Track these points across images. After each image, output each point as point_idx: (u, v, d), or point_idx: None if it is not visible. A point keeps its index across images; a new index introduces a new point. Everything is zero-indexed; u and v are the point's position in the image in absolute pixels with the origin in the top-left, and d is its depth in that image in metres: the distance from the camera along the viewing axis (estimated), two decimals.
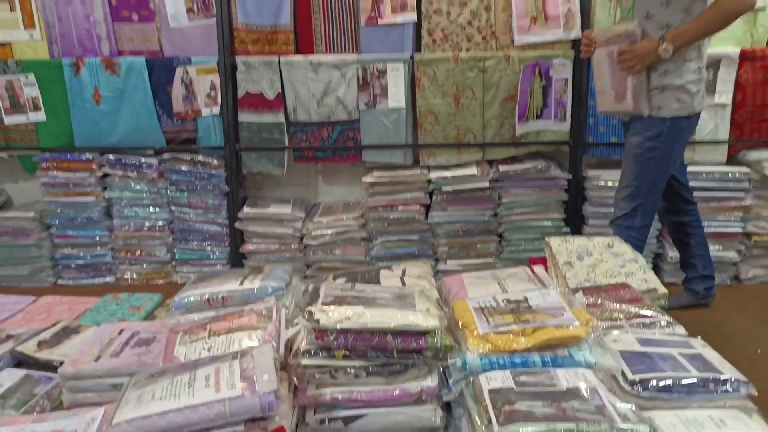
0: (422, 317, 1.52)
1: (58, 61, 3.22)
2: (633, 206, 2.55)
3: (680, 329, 1.86)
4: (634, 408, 1.37)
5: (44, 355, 2.23)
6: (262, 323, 1.68)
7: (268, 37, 3.21)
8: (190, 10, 3.19)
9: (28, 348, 2.28)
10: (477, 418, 1.38)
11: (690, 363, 1.62)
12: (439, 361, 1.53)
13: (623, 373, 1.54)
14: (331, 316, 1.50)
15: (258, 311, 1.74)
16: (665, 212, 2.83)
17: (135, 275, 3.42)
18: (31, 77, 3.23)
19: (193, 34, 3.23)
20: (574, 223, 3.29)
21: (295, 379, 1.52)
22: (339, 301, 1.58)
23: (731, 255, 3.21)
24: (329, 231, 3.28)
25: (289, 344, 1.62)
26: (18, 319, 2.94)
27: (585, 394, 1.39)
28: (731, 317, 2.89)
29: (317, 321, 1.50)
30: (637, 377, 1.53)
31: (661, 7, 2.36)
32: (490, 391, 1.40)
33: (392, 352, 1.50)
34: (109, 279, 3.43)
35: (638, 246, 2.53)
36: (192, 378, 1.40)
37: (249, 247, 3.34)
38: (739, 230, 3.20)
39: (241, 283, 1.89)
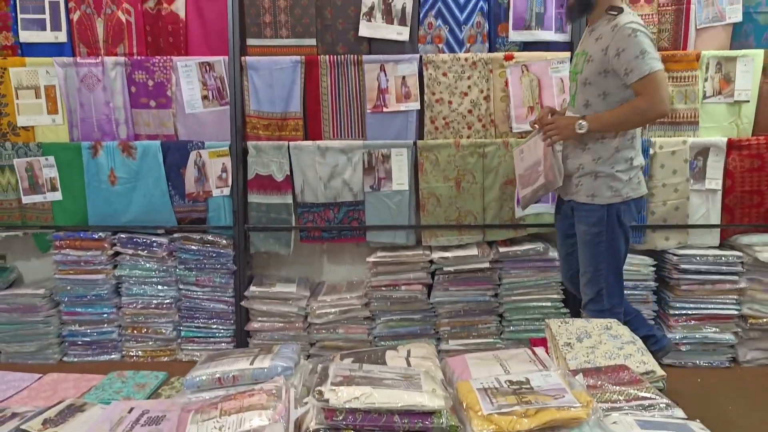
0: (428, 398, 1.58)
1: (77, 144, 3.37)
2: (596, 291, 2.63)
3: (679, 412, 1.91)
4: None
5: None
6: (272, 402, 1.73)
7: (279, 123, 3.37)
8: (205, 98, 3.37)
9: (33, 426, 2.29)
10: None
11: None
12: None
13: None
14: (340, 395, 1.56)
15: (268, 390, 1.79)
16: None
17: (140, 352, 3.44)
18: (51, 159, 3.37)
19: (207, 120, 3.39)
20: (573, 305, 3.35)
21: None
22: (348, 381, 1.64)
23: (728, 337, 3.24)
24: (333, 310, 3.33)
25: (299, 423, 1.67)
26: (23, 396, 2.97)
27: None
28: (730, 400, 2.89)
29: (327, 401, 1.56)
30: None
31: (598, 98, 2.52)
32: None
33: None
34: (114, 356, 3.44)
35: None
36: None
37: (254, 325, 3.39)
38: (735, 312, 3.23)
39: (252, 363, 1.95)
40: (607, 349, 2.37)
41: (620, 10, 2.46)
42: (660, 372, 2.24)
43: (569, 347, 2.39)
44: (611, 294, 2.62)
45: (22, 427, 2.27)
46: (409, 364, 1.96)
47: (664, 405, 1.93)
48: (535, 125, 2.75)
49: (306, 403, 1.72)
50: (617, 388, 2.03)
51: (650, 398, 1.96)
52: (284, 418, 1.66)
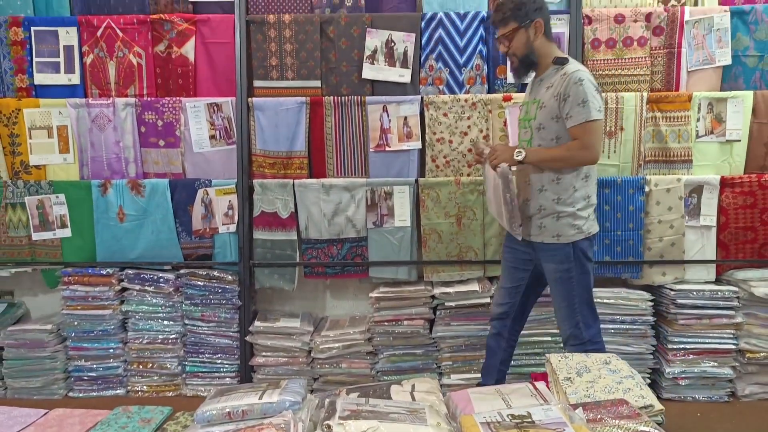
0: (434, 430, 1.63)
1: (87, 182, 3.45)
2: (574, 323, 2.70)
3: None
4: None
5: None
6: None
7: (284, 161, 3.47)
8: (212, 137, 3.47)
9: None
10: None
11: None
12: None
13: None
14: (348, 429, 1.61)
15: (276, 425, 1.84)
16: (499, 319, 2.95)
17: (145, 387, 3.47)
18: (62, 197, 3.45)
19: (215, 158, 3.49)
20: None
21: None
22: (355, 415, 1.69)
23: (726, 372, 3.27)
24: (336, 345, 3.37)
25: None
26: (30, 431, 3.00)
27: None
28: None
29: None
30: None
31: (551, 142, 2.63)
32: None
33: None
34: (119, 391, 3.47)
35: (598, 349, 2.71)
36: None
37: (258, 360, 3.43)
38: (733, 347, 3.27)
39: (260, 398, 2.00)
40: (607, 383, 2.42)
41: (566, 60, 2.64)
42: (658, 406, 2.29)
43: (569, 381, 2.45)
44: (588, 325, 2.71)
45: None
46: (413, 398, 2.01)
47: None
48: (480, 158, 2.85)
49: None
50: (616, 422, 2.07)
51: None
52: None
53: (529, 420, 1.79)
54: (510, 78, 3.42)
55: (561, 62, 2.63)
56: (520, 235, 2.68)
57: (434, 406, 1.87)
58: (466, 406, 1.97)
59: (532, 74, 2.77)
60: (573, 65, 2.62)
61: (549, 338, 3.38)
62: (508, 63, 3.16)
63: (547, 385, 2.37)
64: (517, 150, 2.59)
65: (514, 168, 2.63)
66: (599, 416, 2.12)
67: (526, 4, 2.61)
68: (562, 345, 3.30)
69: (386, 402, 1.86)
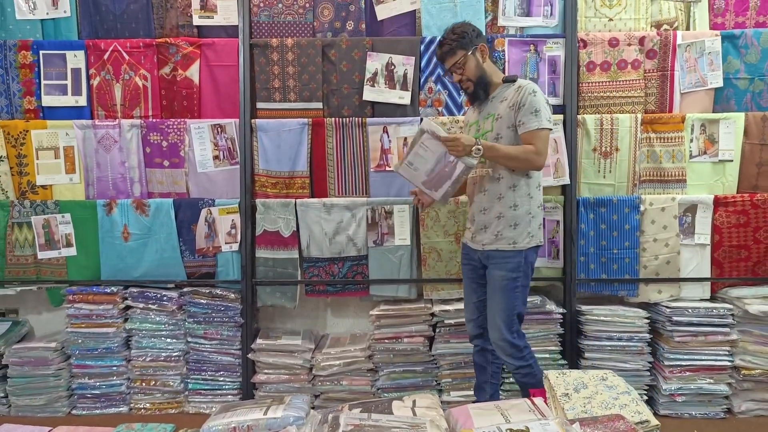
0: None
1: (92, 202, 3.51)
2: (513, 332, 2.77)
3: None
4: None
5: None
6: None
7: (286, 181, 3.54)
8: (216, 158, 3.54)
9: None
10: None
11: None
12: None
13: None
14: None
15: None
16: (479, 337, 2.99)
17: (148, 405, 3.50)
18: (67, 216, 3.51)
19: (218, 179, 3.56)
20: (571, 356, 3.45)
21: None
22: (358, 429, 1.74)
23: (722, 388, 3.30)
24: (337, 362, 3.41)
25: None
26: None
27: None
28: None
29: None
30: None
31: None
32: None
33: None
34: (122, 409, 3.50)
35: (534, 359, 2.85)
36: None
37: (260, 377, 3.47)
38: (728, 363, 3.31)
39: (265, 413, 2.05)
40: (603, 399, 2.47)
41: (514, 78, 2.80)
42: (654, 422, 2.33)
43: (567, 397, 2.50)
44: (521, 335, 2.82)
45: None
46: (414, 413, 2.06)
47: None
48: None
49: None
50: None
51: None
52: None
53: None
54: None
55: (512, 79, 2.79)
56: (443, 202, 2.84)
57: (435, 420, 1.92)
58: (466, 421, 2.02)
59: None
60: (524, 80, 2.79)
61: (547, 355, 3.42)
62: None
63: (545, 401, 2.42)
64: (476, 147, 2.64)
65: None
66: (596, 431, 2.17)
67: (468, 32, 2.76)
68: (563, 362, 3.38)
69: (388, 417, 1.90)
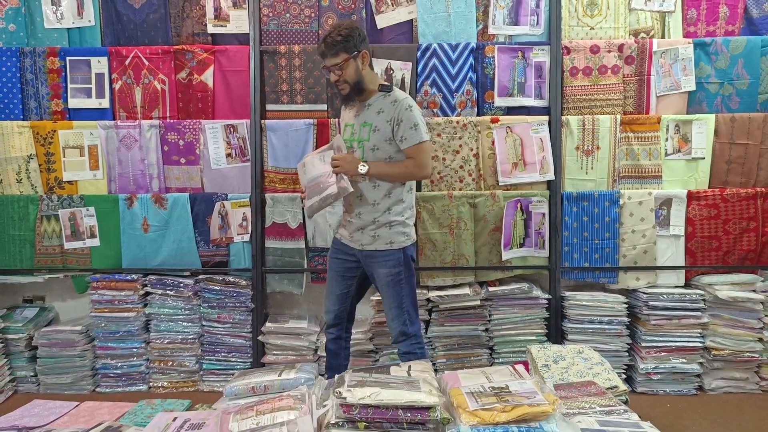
0: (426, 396, 1.97)
1: (115, 196, 3.80)
2: (402, 321, 2.95)
3: (634, 416, 2.29)
4: None
5: None
6: (298, 405, 2.11)
7: (293, 177, 3.81)
8: (228, 156, 3.82)
9: None
10: None
11: None
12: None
13: None
14: (355, 394, 1.95)
15: (294, 396, 2.17)
16: (335, 325, 3.16)
17: (166, 383, 3.78)
18: (91, 209, 3.79)
19: (231, 175, 3.84)
20: (555, 338, 3.73)
21: None
22: (361, 384, 2.03)
23: (694, 367, 3.57)
24: None
25: (320, 421, 2.05)
26: (64, 420, 3.30)
27: None
28: (695, 422, 3.21)
29: (344, 398, 1.95)
30: None
31: (384, 161, 2.88)
32: None
33: (402, 424, 1.93)
34: (142, 387, 3.78)
35: (423, 346, 3.03)
36: None
37: (269, 358, 3.75)
38: (700, 345, 3.58)
39: (279, 375, 2.34)
40: (579, 369, 2.77)
41: (391, 88, 2.93)
42: (623, 387, 2.64)
43: (547, 368, 2.79)
44: (412, 322, 2.97)
45: None
46: (409, 374, 2.35)
47: (623, 410, 2.32)
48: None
49: (325, 406, 2.11)
50: (585, 398, 2.42)
51: (612, 406, 2.35)
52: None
53: (507, 390, 2.12)
54: (498, 102, 3.77)
55: (387, 89, 2.92)
56: (306, 210, 3.01)
57: (427, 379, 2.21)
58: (455, 383, 2.30)
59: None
60: (399, 93, 2.92)
61: (533, 337, 3.69)
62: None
63: (527, 371, 2.71)
64: (361, 164, 2.82)
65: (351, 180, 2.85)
66: (571, 394, 2.46)
67: (354, 36, 2.84)
68: (548, 344, 3.65)
69: (386, 375, 2.19)
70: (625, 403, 2.51)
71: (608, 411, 2.30)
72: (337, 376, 2.22)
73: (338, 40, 2.83)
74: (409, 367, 2.43)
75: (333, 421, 1.96)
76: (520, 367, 2.52)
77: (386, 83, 3.01)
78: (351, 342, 3.38)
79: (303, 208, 3.21)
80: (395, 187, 2.91)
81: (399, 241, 2.92)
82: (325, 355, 3.64)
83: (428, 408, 1.95)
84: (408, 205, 2.98)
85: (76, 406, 3.48)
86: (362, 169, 2.82)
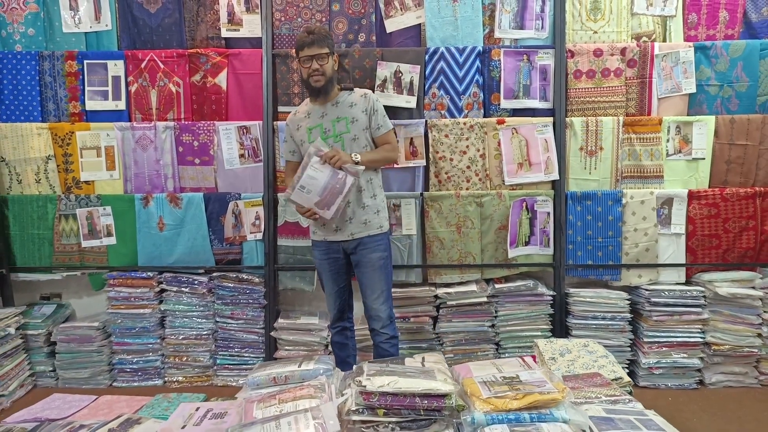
0: (442, 384, 2.07)
1: (131, 196, 3.90)
2: (390, 304, 3.20)
3: (639, 405, 2.40)
4: None
5: None
6: (319, 393, 2.22)
7: None
8: (242, 156, 3.93)
9: None
10: None
11: (642, 424, 2.16)
12: (454, 418, 2.06)
13: (591, 430, 2.07)
14: (374, 382, 2.05)
15: (314, 386, 2.28)
16: (340, 319, 3.34)
17: (181, 378, 3.87)
18: (108, 209, 3.89)
19: (244, 175, 3.94)
20: (560, 333, 3.83)
21: (346, 431, 2.04)
22: (379, 373, 2.14)
23: (695, 362, 3.66)
24: None
25: (339, 409, 2.15)
26: (84, 413, 3.39)
27: None
28: (695, 415, 3.30)
29: (364, 386, 2.05)
30: None
31: (363, 149, 3.11)
32: None
33: (419, 411, 2.04)
34: (158, 382, 3.88)
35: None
36: (278, 424, 1.93)
37: (282, 353, 3.84)
38: (700, 340, 3.67)
39: (299, 366, 2.44)
40: (585, 361, 2.87)
41: (352, 88, 3.19)
42: (627, 378, 2.74)
43: (553, 360, 2.90)
44: (392, 303, 3.25)
45: None
46: (423, 365, 2.45)
47: (627, 400, 2.43)
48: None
49: (344, 395, 2.21)
50: (591, 388, 2.52)
51: (617, 396, 2.46)
52: None
53: (518, 380, 2.23)
54: (503, 104, 3.87)
55: (349, 88, 3.18)
56: (333, 215, 3.00)
57: (441, 370, 2.31)
58: (467, 373, 2.41)
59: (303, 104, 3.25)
60: (362, 89, 3.20)
61: (539, 333, 3.79)
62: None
63: (535, 362, 2.81)
64: (354, 154, 3.01)
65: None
66: (577, 385, 2.57)
67: (331, 38, 3.12)
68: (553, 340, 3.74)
69: (403, 366, 2.30)
70: (630, 393, 2.61)
71: (614, 400, 2.41)
72: (355, 366, 2.32)
73: (324, 35, 3.05)
74: (423, 358, 2.53)
75: (353, 408, 2.06)
76: (528, 359, 2.63)
77: (347, 84, 3.30)
78: (361, 338, 3.48)
79: (310, 221, 3.26)
80: (375, 175, 3.17)
81: (384, 225, 3.17)
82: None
83: (444, 395, 2.05)
84: (383, 191, 3.25)
85: (95, 399, 3.57)
86: (356, 157, 3.01)
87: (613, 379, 2.68)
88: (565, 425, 2.01)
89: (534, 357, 3.00)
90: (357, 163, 2.98)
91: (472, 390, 2.16)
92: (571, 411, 2.07)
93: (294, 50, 3.81)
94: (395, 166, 3.85)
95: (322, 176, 2.94)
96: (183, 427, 2.37)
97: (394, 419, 2.04)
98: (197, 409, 2.56)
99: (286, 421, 1.93)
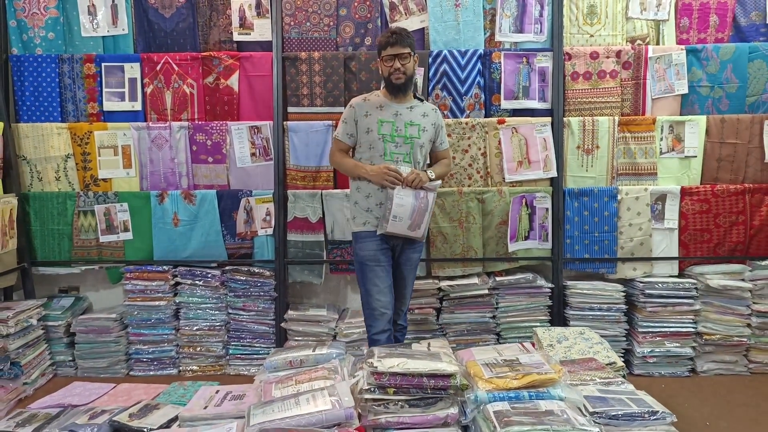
0: (447, 365, 2.24)
1: (146, 193, 4.06)
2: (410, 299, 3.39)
3: (631, 386, 2.57)
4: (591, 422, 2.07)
5: (135, 423, 2.86)
6: (332, 375, 2.39)
7: (313, 175, 4.09)
8: (253, 155, 4.09)
9: (122, 418, 2.92)
10: (486, 428, 2.07)
11: (633, 403, 2.33)
12: (458, 397, 2.23)
13: (585, 408, 2.24)
14: (385, 363, 2.22)
15: (328, 368, 2.45)
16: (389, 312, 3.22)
17: (195, 367, 4.03)
18: (125, 205, 4.06)
19: (255, 173, 4.10)
20: (558, 324, 3.97)
21: (359, 409, 2.21)
22: (389, 355, 2.31)
23: (687, 351, 3.82)
24: (357, 330, 3.91)
25: (351, 389, 2.32)
26: (104, 400, 3.55)
27: (557, 413, 2.08)
28: (687, 401, 3.46)
29: (375, 367, 2.22)
30: (595, 409, 2.23)
31: (424, 158, 3.26)
32: (494, 412, 2.09)
33: (426, 389, 2.21)
34: (172, 371, 4.03)
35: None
36: (297, 401, 2.10)
37: (291, 344, 3.98)
38: (692, 330, 3.82)
39: (313, 351, 2.61)
40: (581, 347, 3.04)
41: (422, 98, 3.30)
42: (620, 363, 2.90)
43: (551, 347, 3.07)
44: None
45: (114, 418, 2.90)
46: (429, 350, 2.61)
47: (621, 382, 2.59)
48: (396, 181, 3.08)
49: (355, 377, 2.38)
50: (587, 372, 2.69)
51: (610, 378, 2.62)
52: None
53: (518, 362, 2.40)
54: (504, 105, 4.02)
55: (420, 99, 3.28)
56: (422, 235, 3.14)
57: (446, 353, 2.48)
58: (470, 357, 2.57)
59: (372, 99, 3.24)
60: (431, 104, 3.32)
61: (538, 323, 3.94)
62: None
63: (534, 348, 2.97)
64: (429, 171, 3.16)
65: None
66: (573, 369, 2.73)
67: (413, 39, 3.15)
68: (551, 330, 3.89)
69: (410, 350, 2.47)
70: (623, 377, 2.78)
71: (607, 382, 2.58)
72: (366, 350, 2.49)
73: (406, 35, 3.11)
74: (429, 344, 2.70)
75: (365, 387, 2.23)
76: (527, 345, 2.79)
77: (419, 95, 3.35)
78: (359, 329, 3.67)
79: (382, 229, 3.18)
80: None
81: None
82: (344, 341, 3.89)
83: (449, 375, 2.22)
84: None
85: (114, 387, 3.73)
86: (430, 174, 3.17)
87: (607, 364, 2.84)
88: (561, 402, 2.17)
89: (533, 344, 3.18)
90: (432, 180, 3.14)
91: (475, 371, 2.33)
92: (566, 390, 2.24)
93: (303, 53, 4.02)
94: None
95: (408, 200, 3.04)
96: (205, 408, 2.53)
97: (403, 397, 2.20)
98: (217, 392, 2.72)
99: (304, 398, 2.11)
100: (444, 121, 3.39)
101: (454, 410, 2.20)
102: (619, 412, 2.22)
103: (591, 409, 2.23)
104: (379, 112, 3.18)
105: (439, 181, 3.20)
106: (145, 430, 2.83)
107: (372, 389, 2.22)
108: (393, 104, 3.19)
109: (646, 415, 2.23)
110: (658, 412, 2.25)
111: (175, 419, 2.87)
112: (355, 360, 2.77)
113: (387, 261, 3.17)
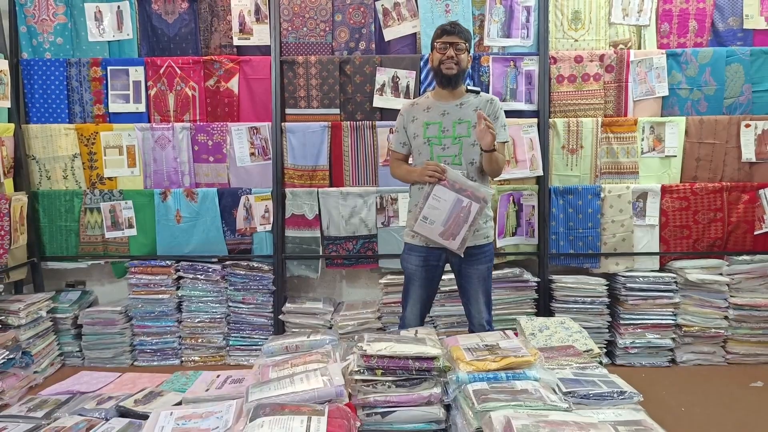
0: (431, 348, 2.41)
1: (150, 191, 4.23)
2: (490, 311, 3.15)
3: (604, 371, 2.73)
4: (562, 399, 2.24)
5: (141, 409, 3.02)
6: (326, 359, 2.56)
7: (310, 174, 4.25)
8: (252, 154, 4.26)
9: (128, 404, 3.07)
10: (465, 405, 2.25)
11: (604, 384, 2.50)
12: (441, 378, 2.40)
13: (559, 387, 2.42)
14: (373, 347, 2.39)
15: (321, 353, 2.62)
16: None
17: (196, 358, 4.21)
18: (129, 203, 4.23)
19: (254, 171, 4.27)
20: (544, 316, 4.15)
21: (349, 389, 2.39)
22: (378, 340, 2.48)
23: (667, 342, 3.98)
24: (352, 322, 4.08)
25: (343, 372, 2.49)
26: (111, 387, 3.71)
27: (531, 392, 2.25)
28: (666, 389, 3.62)
29: (365, 350, 2.39)
30: (568, 389, 2.41)
31: (478, 155, 2.98)
32: (474, 391, 2.26)
33: (412, 371, 2.37)
34: (175, 361, 4.21)
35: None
36: (291, 381, 2.28)
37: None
38: (672, 322, 3.99)
39: (308, 337, 2.79)
40: (561, 336, 3.21)
41: (479, 92, 3.07)
42: (596, 350, 3.06)
43: (533, 336, 3.23)
44: (492, 308, 3.21)
45: (120, 404, 3.07)
46: (416, 336, 2.79)
47: (596, 366, 2.76)
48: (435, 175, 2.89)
49: (346, 360, 2.56)
50: (565, 358, 2.86)
51: (587, 363, 2.79)
52: None
53: (497, 347, 2.57)
54: None
55: (476, 91, 3.06)
56: (462, 251, 2.95)
57: (431, 338, 2.66)
58: (454, 343, 2.74)
59: (419, 98, 3.18)
60: (490, 95, 3.10)
61: (525, 316, 4.10)
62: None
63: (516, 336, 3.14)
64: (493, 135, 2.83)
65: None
66: (552, 355, 2.90)
67: (471, 36, 3.07)
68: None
69: (398, 335, 2.64)
70: (600, 363, 2.94)
71: (583, 367, 2.75)
72: (357, 335, 2.66)
73: (465, 30, 2.98)
74: (416, 331, 2.87)
75: (356, 369, 2.40)
76: (509, 332, 2.95)
77: (475, 87, 3.12)
78: (363, 321, 3.77)
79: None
80: (485, 181, 3.07)
81: (490, 234, 3.09)
82: (339, 332, 4.03)
83: (433, 358, 2.39)
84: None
85: (120, 376, 3.90)
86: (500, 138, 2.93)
87: (584, 351, 3.00)
88: (536, 382, 2.34)
89: (516, 332, 3.35)
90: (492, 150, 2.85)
91: (458, 355, 2.50)
92: (541, 371, 2.41)
93: (300, 57, 4.18)
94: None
95: (446, 205, 2.83)
96: (206, 390, 2.70)
97: (390, 378, 2.37)
98: (218, 376, 2.90)
99: (299, 377, 2.28)
100: (504, 114, 3.06)
101: (437, 390, 2.36)
102: (590, 392, 2.39)
103: (564, 389, 2.40)
104: (426, 115, 3.05)
105: (491, 191, 2.92)
106: (149, 415, 2.98)
107: (362, 371, 2.38)
108: (441, 103, 3.04)
109: (615, 395, 2.40)
110: (626, 392, 2.42)
111: (178, 405, 3.03)
112: (347, 345, 2.95)
113: (426, 276, 3.07)
